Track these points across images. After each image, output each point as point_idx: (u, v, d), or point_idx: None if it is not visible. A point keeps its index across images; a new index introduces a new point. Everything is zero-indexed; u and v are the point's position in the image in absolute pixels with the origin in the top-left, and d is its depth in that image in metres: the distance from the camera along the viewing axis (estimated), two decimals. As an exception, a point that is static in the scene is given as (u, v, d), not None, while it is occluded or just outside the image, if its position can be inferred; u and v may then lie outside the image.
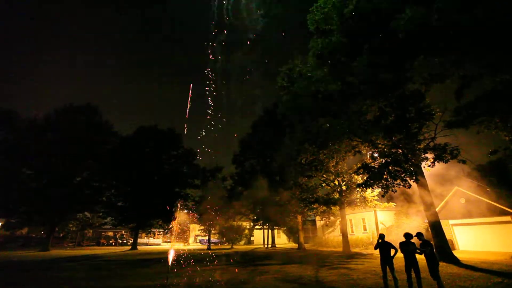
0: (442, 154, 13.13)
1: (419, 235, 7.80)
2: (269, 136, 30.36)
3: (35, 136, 27.81)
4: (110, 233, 43.42)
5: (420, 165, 14.81)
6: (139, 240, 34.86)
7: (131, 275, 11.50)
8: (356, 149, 17.39)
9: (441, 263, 12.57)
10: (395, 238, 20.98)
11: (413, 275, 7.19)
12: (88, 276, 11.34)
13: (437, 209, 18.38)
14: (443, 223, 17.63)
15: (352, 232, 29.30)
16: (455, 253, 14.37)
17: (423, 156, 14.19)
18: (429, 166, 14.24)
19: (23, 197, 26.20)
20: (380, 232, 21.65)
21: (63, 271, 12.83)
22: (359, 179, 20.32)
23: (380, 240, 7.84)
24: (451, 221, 20.60)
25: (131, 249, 29.53)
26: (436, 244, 14.33)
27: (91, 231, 41.36)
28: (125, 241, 40.19)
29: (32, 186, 27.45)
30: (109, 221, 34.56)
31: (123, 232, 43.14)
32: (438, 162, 13.42)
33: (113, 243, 39.57)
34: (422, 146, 14.24)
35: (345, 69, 14.86)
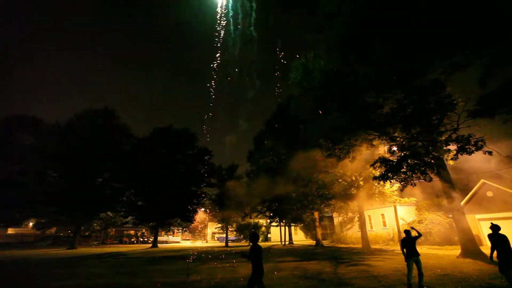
0: (465, 146, 12.52)
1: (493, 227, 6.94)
2: (283, 133, 30.20)
3: (58, 140, 29.20)
4: (132, 232, 45.01)
5: (442, 158, 14.21)
6: (159, 238, 35.91)
7: (154, 271, 11.87)
8: (373, 142, 16.90)
9: (468, 260, 12.09)
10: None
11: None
12: (114, 272, 11.83)
13: (462, 203, 17.62)
14: (469, 217, 16.88)
15: (371, 228, 28.67)
16: (482, 249, 13.69)
17: (445, 148, 13.60)
18: (452, 159, 13.62)
19: (50, 199, 27.65)
20: (401, 227, 21.07)
21: (91, 267, 13.48)
22: (376, 173, 19.81)
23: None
24: (477, 216, 19.67)
25: (151, 246, 30.47)
26: (461, 240, 13.75)
27: (114, 229, 43.07)
28: (145, 239, 41.52)
29: (58, 188, 28.88)
30: (130, 220, 35.87)
31: (143, 230, 44.59)
32: (462, 154, 12.82)
33: (135, 241, 40.99)
34: (443, 138, 13.64)
35: (358, 60, 14.45)
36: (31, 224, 43.65)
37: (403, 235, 7.77)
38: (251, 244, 5.55)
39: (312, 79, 17.13)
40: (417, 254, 7.27)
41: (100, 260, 17.19)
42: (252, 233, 5.72)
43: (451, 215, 16.13)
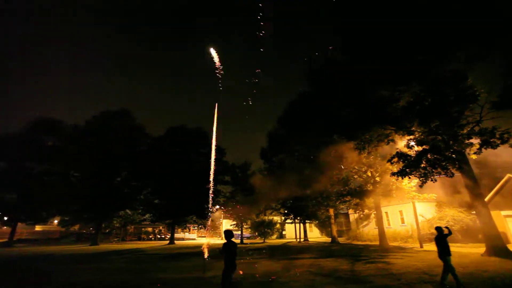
0: (490, 139, 11.90)
1: None
2: (296, 131, 29.87)
3: (77, 141, 30.39)
4: (150, 229, 46.30)
5: (464, 152, 13.59)
6: (176, 235, 36.69)
7: (171, 267, 12.17)
8: (390, 137, 16.39)
9: (494, 258, 11.55)
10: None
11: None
12: (134, 268, 12.23)
13: (486, 199, 16.84)
14: (494, 214, 16.08)
15: (389, 225, 28.00)
16: (509, 247, 13.05)
17: (466, 142, 12.98)
18: (475, 153, 12.98)
19: (72, 197, 28.88)
20: (420, 224, 20.39)
21: (113, 263, 14.05)
22: (394, 168, 19.25)
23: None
24: (504, 212, 18.75)
25: (169, 243, 31.22)
26: (486, 237, 13.14)
27: (132, 227, 44.48)
28: (163, 236, 42.60)
29: (79, 187, 30.12)
30: (148, 217, 36.85)
31: (161, 227, 45.75)
32: (486, 148, 12.19)
33: (153, 238, 42.18)
34: (465, 131, 13.02)
35: (372, 53, 14.05)
36: (56, 221, 45.94)
37: (433, 232, 7.59)
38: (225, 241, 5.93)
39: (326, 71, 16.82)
40: (448, 254, 7.03)
41: (122, 256, 17.83)
42: (226, 230, 6.19)
43: (474, 212, 15.45)
